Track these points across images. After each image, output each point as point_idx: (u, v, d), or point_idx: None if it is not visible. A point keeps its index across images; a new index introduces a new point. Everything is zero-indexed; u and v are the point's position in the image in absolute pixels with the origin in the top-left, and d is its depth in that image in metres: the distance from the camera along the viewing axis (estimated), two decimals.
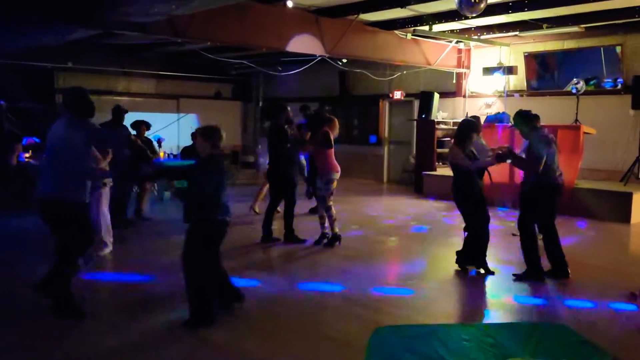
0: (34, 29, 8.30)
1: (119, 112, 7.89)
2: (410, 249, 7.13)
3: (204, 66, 15.95)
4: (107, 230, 6.31)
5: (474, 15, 6.94)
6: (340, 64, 11.84)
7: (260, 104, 17.21)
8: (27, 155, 9.26)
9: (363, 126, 14.64)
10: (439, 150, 11.79)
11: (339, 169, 6.84)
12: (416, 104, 13.15)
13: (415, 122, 12.51)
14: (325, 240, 7.00)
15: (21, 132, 10.73)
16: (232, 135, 17.13)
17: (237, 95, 17.63)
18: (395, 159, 14.01)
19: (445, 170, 11.67)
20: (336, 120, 7.03)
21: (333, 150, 6.81)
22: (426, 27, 10.26)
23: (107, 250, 6.31)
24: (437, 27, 10.47)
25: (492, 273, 5.71)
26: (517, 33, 10.74)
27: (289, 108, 7.18)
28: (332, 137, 6.81)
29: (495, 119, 10.16)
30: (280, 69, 13.38)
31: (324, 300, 4.93)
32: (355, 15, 9.68)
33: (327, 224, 6.96)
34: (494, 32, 10.75)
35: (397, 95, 13.51)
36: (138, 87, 15.53)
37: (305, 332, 4.16)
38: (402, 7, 8.96)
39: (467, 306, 5.07)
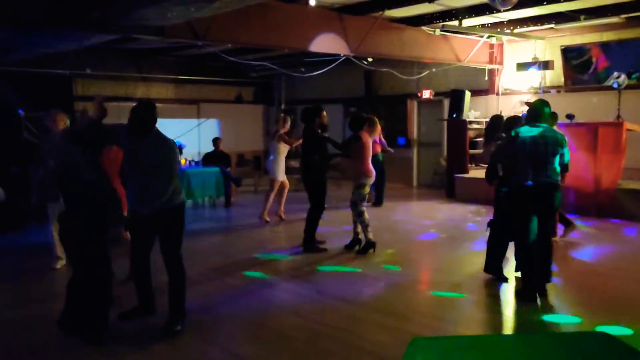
0: (50, 36, 8.49)
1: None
2: (441, 255, 7.05)
3: (224, 69, 16.12)
4: None
5: (507, 8, 6.85)
6: (366, 63, 11.83)
7: (283, 106, 17.29)
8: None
9: (390, 128, 14.53)
10: (472, 151, 11.66)
11: (372, 173, 6.82)
12: (446, 103, 13.05)
13: (445, 122, 12.41)
14: (357, 247, 6.98)
15: (40, 142, 10.97)
16: (254, 140, 17.29)
17: (259, 98, 17.74)
18: (425, 162, 13.91)
19: (479, 173, 11.57)
20: (376, 120, 7.02)
21: (369, 154, 6.79)
22: (456, 22, 10.19)
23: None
24: (468, 22, 10.38)
25: (506, 280, 5.60)
26: (552, 26, 10.56)
27: (324, 112, 7.17)
28: (366, 143, 6.77)
29: None
30: (302, 70, 13.41)
31: (355, 311, 4.90)
32: (381, 12, 9.66)
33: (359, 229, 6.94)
34: (527, 26, 10.61)
35: (426, 94, 13.43)
36: (157, 92, 15.73)
37: (339, 345, 4.13)
38: (430, 2, 8.90)
39: (500, 316, 4.98)
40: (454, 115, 11.72)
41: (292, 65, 13.58)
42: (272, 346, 4.10)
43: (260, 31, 8.99)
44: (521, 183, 5.08)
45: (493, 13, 9.73)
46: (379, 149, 10.23)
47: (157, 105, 14.75)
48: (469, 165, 11.62)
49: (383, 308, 4.95)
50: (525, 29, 10.85)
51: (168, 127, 9.94)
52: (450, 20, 10.17)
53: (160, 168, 4.21)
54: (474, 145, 11.76)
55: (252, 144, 16.98)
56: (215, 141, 11.47)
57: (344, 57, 10.46)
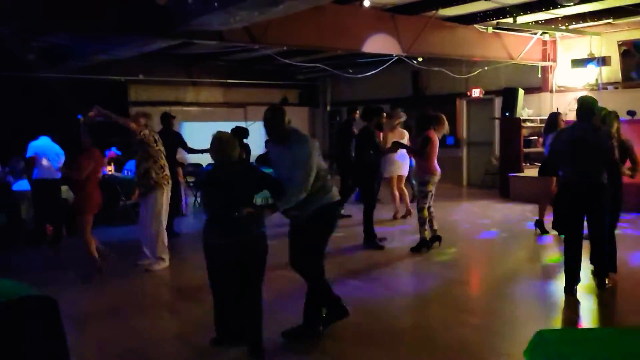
0: (114, 42, 8.84)
1: (167, 119, 8.27)
2: (502, 253, 7.06)
3: (269, 72, 16.39)
4: (162, 244, 6.43)
5: (571, 4, 6.82)
6: (416, 62, 11.87)
7: (328, 108, 17.43)
8: (109, 168, 9.79)
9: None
10: (526, 150, 11.57)
11: (436, 171, 6.90)
12: (497, 101, 12.97)
13: (497, 121, 12.33)
14: (437, 243, 7.12)
15: (98, 146, 11.36)
16: None
17: (304, 100, 17.94)
18: (475, 161, 13.84)
19: (533, 172, 11.45)
20: (444, 117, 7.13)
21: (435, 152, 6.89)
22: (510, 19, 10.15)
23: (163, 265, 6.45)
24: (522, 19, 10.33)
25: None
26: (610, 20, 10.41)
27: (384, 113, 7.39)
28: (434, 141, 6.88)
29: None
30: (350, 71, 13.51)
31: (426, 307, 4.98)
32: (434, 11, 9.70)
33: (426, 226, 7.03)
34: (584, 21, 10.48)
35: (476, 93, 13.37)
36: (206, 96, 16.09)
37: (417, 340, 4.22)
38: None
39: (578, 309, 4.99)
40: (507, 114, 11.64)
41: (340, 67, 13.68)
42: (350, 341, 4.21)
43: (314, 33, 9.14)
44: (564, 181, 5.21)
45: (549, 9, 9.67)
46: None
47: (207, 109, 15.11)
48: (524, 164, 11.51)
49: (455, 304, 5.01)
50: (581, 24, 10.72)
51: (216, 130, 10.23)
52: (504, 17, 10.13)
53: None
54: (528, 143, 11.66)
55: None
56: (268, 143, 11.66)
57: (396, 57, 10.53)
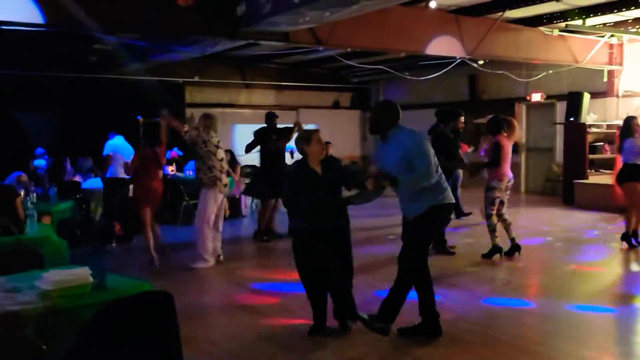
0: (184, 43, 8.97)
1: (271, 118, 8.27)
2: (582, 262, 6.84)
3: (322, 75, 16.42)
4: (203, 243, 6.42)
5: None
6: (477, 65, 11.69)
7: None
8: (171, 168, 9.94)
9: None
10: (591, 156, 11.23)
11: (505, 176, 6.72)
12: (559, 106, 12.66)
13: (560, 126, 12.02)
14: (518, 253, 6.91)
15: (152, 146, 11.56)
16: (351, 145, 17.45)
17: (356, 104, 17.89)
18: (535, 167, 13.51)
19: (599, 178, 11.12)
20: (515, 122, 6.97)
21: (506, 156, 6.71)
22: (578, 22, 9.89)
23: (205, 264, 6.44)
24: (589, 21, 10.06)
25: None
26: None
27: (462, 117, 7.22)
28: (505, 147, 6.71)
29: None
30: (407, 74, 13.40)
31: (514, 316, 4.85)
32: (501, 13, 9.52)
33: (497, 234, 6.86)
34: None
35: (536, 97, 13.07)
36: (259, 98, 16.21)
37: (508, 347, 4.11)
38: (557, 1, 8.69)
39: None
40: (572, 119, 11.33)
41: (397, 70, 13.58)
42: (438, 346, 4.12)
43: (378, 35, 9.08)
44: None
45: (621, 11, 9.38)
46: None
47: (259, 111, 15.08)
48: (589, 170, 11.18)
49: (540, 312, 4.86)
50: None
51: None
52: (572, 19, 9.88)
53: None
54: (593, 149, 11.32)
55: (349, 150, 17.12)
56: (326, 145, 11.66)
57: (458, 60, 10.39)
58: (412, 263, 4.15)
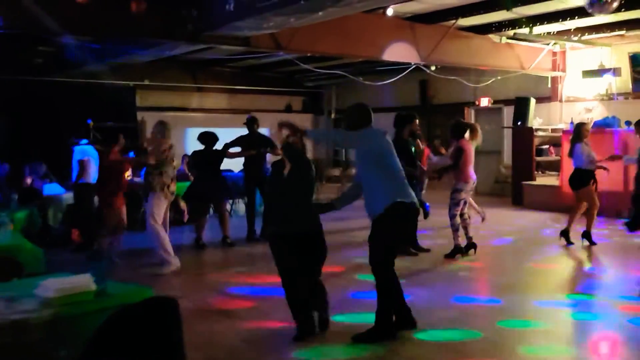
0: (136, 46, 8.86)
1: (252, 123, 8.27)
2: (536, 260, 7.20)
3: (274, 79, 16.49)
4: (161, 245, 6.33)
5: (603, 14, 7.04)
6: (429, 71, 12.06)
7: (333, 115, 17.55)
8: (127, 173, 9.73)
9: (446, 136, 14.71)
10: (538, 158, 11.79)
11: (470, 179, 6.99)
12: (505, 110, 13.20)
13: (508, 130, 12.54)
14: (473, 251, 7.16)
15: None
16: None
17: (308, 107, 18.05)
18: (483, 170, 13.97)
19: (545, 180, 11.69)
20: (478, 126, 7.24)
21: (469, 159, 6.97)
22: (525, 30, 10.38)
23: (174, 267, 6.37)
24: (535, 30, 10.56)
25: None
26: (623, 32, 10.70)
27: (416, 120, 7.38)
28: (467, 150, 6.97)
29: (604, 124, 10.11)
30: (361, 79, 13.63)
31: (486, 313, 5.07)
32: (454, 21, 9.89)
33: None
34: (596, 32, 10.75)
35: (484, 102, 13.58)
36: (211, 102, 16.12)
37: (487, 344, 4.31)
38: (507, 10, 9.11)
39: None
40: (519, 123, 11.85)
41: (353, 74, 13.76)
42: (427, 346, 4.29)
43: (338, 41, 9.27)
44: None
45: (565, 20, 9.91)
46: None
47: (211, 115, 14.91)
48: (536, 172, 11.73)
49: (512, 311, 5.11)
50: (593, 35, 11.00)
51: (222, 136, 10.20)
52: (520, 27, 10.37)
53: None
54: (539, 152, 11.87)
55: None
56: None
57: (414, 66, 10.71)
58: (380, 264, 4.26)
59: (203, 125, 15.60)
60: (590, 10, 6.75)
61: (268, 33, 8.24)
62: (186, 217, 9.44)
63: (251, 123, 8.49)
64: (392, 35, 9.84)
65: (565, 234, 7.73)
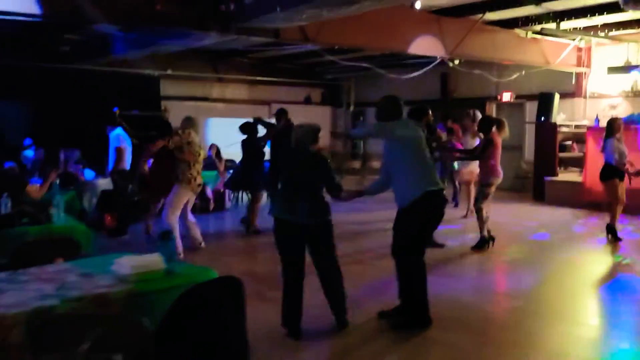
0: (169, 35, 8.99)
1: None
2: (565, 255, 7.31)
3: (294, 71, 16.61)
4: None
5: (639, 10, 7.10)
6: (452, 64, 12.12)
7: (352, 108, 17.65)
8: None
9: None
10: (561, 154, 11.85)
11: (499, 174, 7.13)
12: (528, 106, 13.25)
13: (529, 125, 12.60)
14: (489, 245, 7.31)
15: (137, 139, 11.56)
16: (320, 141, 17.67)
17: (327, 99, 18.16)
18: (503, 165, 13.98)
19: (568, 176, 11.76)
20: (505, 121, 7.36)
21: (498, 153, 7.11)
22: (551, 25, 10.42)
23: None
24: (563, 25, 10.60)
25: None
26: None
27: (430, 112, 7.50)
28: (497, 143, 7.11)
29: (629, 121, 10.16)
30: (383, 72, 13.72)
31: (520, 307, 5.21)
32: (481, 15, 9.95)
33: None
34: (624, 28, 10.78)
35: (506, 97, 13.63)
36: (231, 93, 16.27)
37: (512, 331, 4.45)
38: (536, 5, 9.16)
39: None
40: (542, 118, 11.91)
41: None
42: (460, 332, 4.43)
43: (365, 33, 9.34)
44: None
45: (593, 16, 9.94)
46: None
47: (232, 105, 15.15)
48: (558, 168, 11.80)
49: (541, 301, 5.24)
50: (620, 32, 11.01)
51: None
52: (547, 22, 10.41)
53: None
54: (562, 148, 11.93)
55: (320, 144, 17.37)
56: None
57: (440, 60, 10.78)
58: (406, 249, 4.44)
59: (224, 115, 15.85)
60: (624, 7, 6.81)
61: (297, 25, 8.36)
62: (212, 205, 9.68)
63: (280, 115, 8.81)
64: (418, 28, 9.91)
65: (611, 229, 7.79)
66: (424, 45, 10.08)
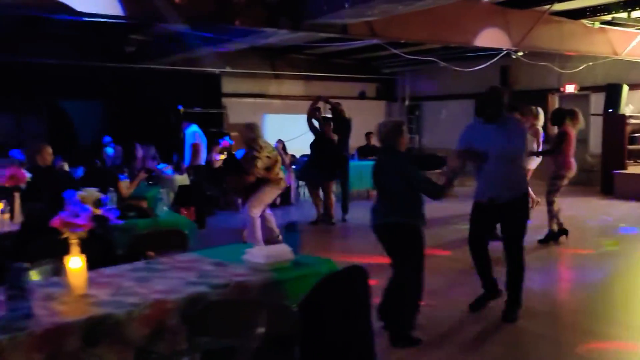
0: (238, 34, 9.20)
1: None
2: None
3: (349, 66, 16.70)
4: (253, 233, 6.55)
5: None
6: (515, 56, 11.98)
7: (407, 102, 17.63)
8: (222, 156, 10.19)
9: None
10: (630, 146, 11.59)
11: (573, 167, 7.07)
12: (593, 97, 12.99)
13: (595, 118, 12.35)
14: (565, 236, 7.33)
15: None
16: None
17: (381, 94, 18.19)
18: None
19: (638, 169, 11.49)
20: (579, 112, 7.29)
21: (572, 146, 7.05)
22: (622, 14, 10.20)
23: None
24: (634, 14, 10.36)
25: None
26: None
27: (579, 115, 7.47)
28: (570, 136, 7.05)
29: None
30: (441, 64, 13.67)
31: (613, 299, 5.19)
32: (549, 6, 9.81)
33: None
34: None
35: (570, 89, 13.39)
36: (288, 89, 16.47)
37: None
38: None
39: None
40: (610, 110, 11.67)
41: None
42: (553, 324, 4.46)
43: (430, 27, 9.35)
44: None
45: None
46: None
47: (289, 101, 15.40)
48: (627, 161, 11.54)
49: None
50: None
51: (298, 122, 10.66)
52: (616, 12, 10.19)
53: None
54: (632, 140, 11.67)
55: (374, 140, 17.43)
56: (368, 135, 12.02)
57: (505, 52, 10.70)
58: (522, 240, 4.54)
59: (280, 112, 16.07)
60: None
61: (365, 20, 8.45)
62: (279, 200, 9.90)
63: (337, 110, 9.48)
64: (483, 20, 9.84)
65: None
66: (490, 38, 10.01)
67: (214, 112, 13.69)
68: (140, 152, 7.97)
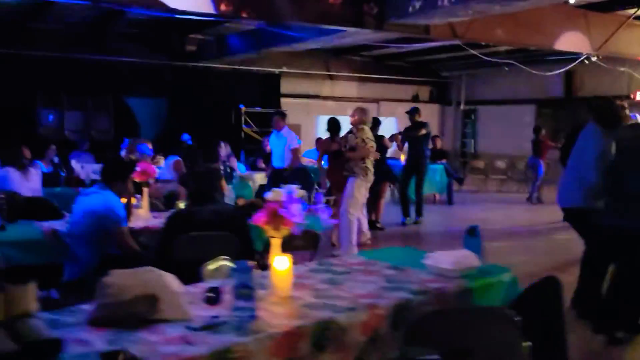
0: (321, 32, 9.11)
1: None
2: None
3: (403, 68, 16.58)
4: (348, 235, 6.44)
5: None
6: (588, 61, 11.74)
7: (462, 107, 17.44)
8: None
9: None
10: None
11: None
12: None
13: None
14: None
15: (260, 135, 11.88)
16: None
17: (435, 98, 18.03)
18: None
19: None
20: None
21: None
22: None
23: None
24: None
25: None
26: None
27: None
28: None
29: None
30: (507, 69, 13.48)
31: None
32: (635, 9, 9.58)
33: None
34: None
35: None
36: (342, 90, 16.40)
37: None
38: None
39: None
40: None
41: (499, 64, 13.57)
42: None
43: (511, 29, 9.19)
44: None
45: None
46: None
47: (341, 102, 15.27)
48: None
49: None
50: None
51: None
52: None
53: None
54: None
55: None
56: (434, 139, 11.89)
57: (585, 56, 10.48)
58: None
59: (333, 113, 15.94)
60: None
61: (448, 22, 8.34)
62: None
63: (413, 113, 9.50)
64: (564, 23, 9.66)
65: None
66: (570, 41, 9.82)
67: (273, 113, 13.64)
68: (224, 151, 7.97)
